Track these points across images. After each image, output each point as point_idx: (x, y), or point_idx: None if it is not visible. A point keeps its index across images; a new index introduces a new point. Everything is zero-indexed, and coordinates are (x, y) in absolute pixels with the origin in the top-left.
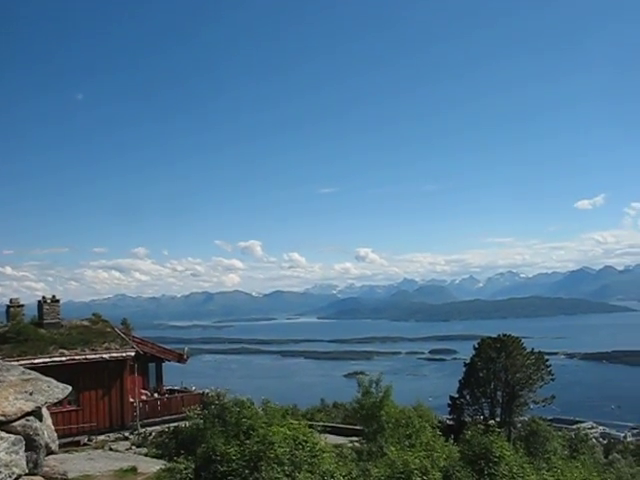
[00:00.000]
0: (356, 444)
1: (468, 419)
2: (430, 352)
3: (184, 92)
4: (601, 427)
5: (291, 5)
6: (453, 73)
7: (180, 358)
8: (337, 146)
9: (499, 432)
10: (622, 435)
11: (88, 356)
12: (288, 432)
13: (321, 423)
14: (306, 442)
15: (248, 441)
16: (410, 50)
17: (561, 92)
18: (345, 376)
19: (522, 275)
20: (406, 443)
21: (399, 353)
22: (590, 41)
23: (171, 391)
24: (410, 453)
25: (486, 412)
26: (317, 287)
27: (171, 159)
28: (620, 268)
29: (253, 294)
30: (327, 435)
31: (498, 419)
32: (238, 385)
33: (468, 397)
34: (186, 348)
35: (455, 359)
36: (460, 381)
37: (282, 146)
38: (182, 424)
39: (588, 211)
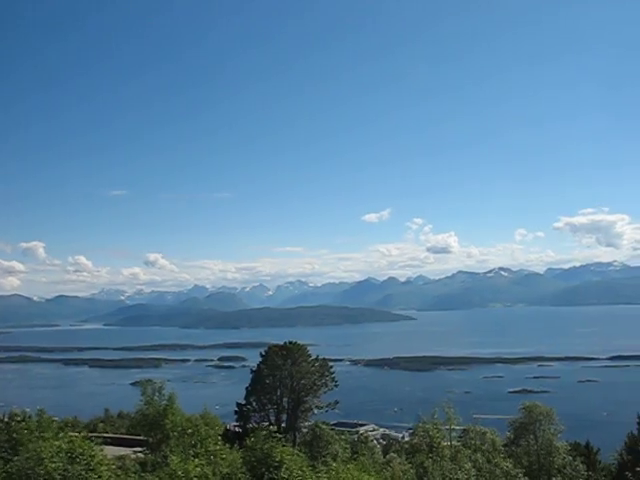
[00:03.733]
0: (140, 455)
1: (254, 425)
2: (219, 359)
3: None
4: (382, 429)
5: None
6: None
7: None
8: (128, 148)
9: (280, 437)
10: (400, 436)
11: None
12: (63, 446)
13: (103, 434)
14: (82, 455)
15: (16, 457)
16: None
17: (332, 115)
18: (132, 384)
19: (311, 284)
20: (191, 452)
21: (188, 360)
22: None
23: None
24: (192, 462)
25: (272, 418)
26: (104, 292)
27: None
28: (402, 279)
29: (34, 298)
30: (109, 447)
31: (284, 425)
32: (15, 396)
33: (255, 404)
34: None
35: (244, 366)
36: (247, 388)
37: (72, 146)
38: None
39: (374, 224)
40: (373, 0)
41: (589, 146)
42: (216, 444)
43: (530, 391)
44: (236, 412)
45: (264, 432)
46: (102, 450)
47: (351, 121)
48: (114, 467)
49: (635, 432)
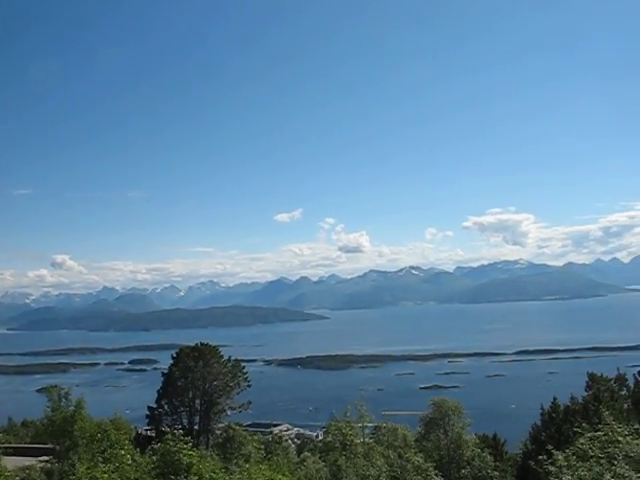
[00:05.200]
0: (47, 464)
1: (166, 429)
2: (130, 362)
3: None
4: (297, 428)
5: None
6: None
7: None
8: (33, 145)
9: (188, 441)
10: (315, 434)
11: None
12: None
13: (5, 445)
14: None
15: None
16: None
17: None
18: (37, 391)
19: (223, 284)
20: (100, 458)
21: (98, 364)
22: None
23: None
24: (100, 468)
25: (185, 421)
26: (7, 296)
27: None
28: (314, 279)
29: None
30: (11, 458)
31: (197, 427)
32: None
33: (166, 407)
34: None
35: (156, 369)
36: (158, 391)
37: None
38: None
39: (286, 224)
40: None
41: (496, 147)
42: (126, 449)
43: (441, 387)
44: (147, 416)
45: (173, 435)
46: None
47: (263, 123)
48: (18, 479)
49: (539, 423)
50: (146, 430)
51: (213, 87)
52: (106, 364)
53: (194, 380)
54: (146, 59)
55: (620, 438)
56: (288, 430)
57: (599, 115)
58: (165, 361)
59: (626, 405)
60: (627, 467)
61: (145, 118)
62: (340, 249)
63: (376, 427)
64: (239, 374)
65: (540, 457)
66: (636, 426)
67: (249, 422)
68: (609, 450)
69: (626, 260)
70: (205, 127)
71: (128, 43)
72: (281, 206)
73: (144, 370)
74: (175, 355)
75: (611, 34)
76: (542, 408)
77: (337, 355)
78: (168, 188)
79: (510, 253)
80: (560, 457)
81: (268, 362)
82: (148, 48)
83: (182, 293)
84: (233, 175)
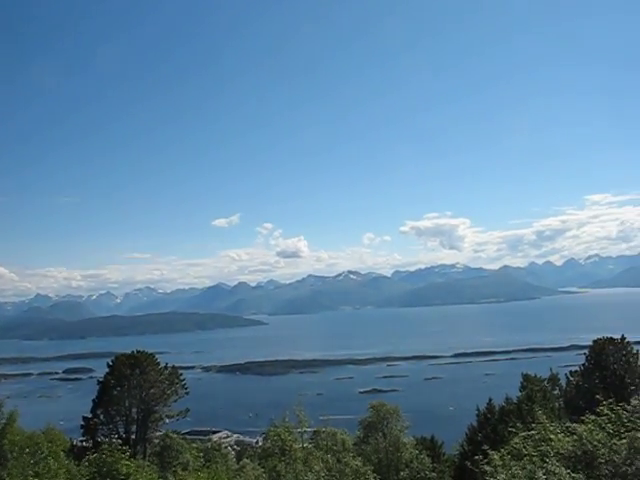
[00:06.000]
0: None
1: (102, 439)
2: (65, 372)
3: None
4: (236, 435)
5: None
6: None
7: None
8: None
9: (126, 450)
10: (255, 440)
11: None
12: None
13: None
14: None
15: None
16: None
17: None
18: None
19: (160, 291)
20: (31, 472)
21: (31, 374)
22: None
23: None
24: None
25: (121, 430)
26: None
27: None
28: (253, 284)
29: None
30: None
31: (134, 436)
32: None
33: (102, 416)
34: None
35: (92, 377)
36: (94, 400)
37: None
38: None
39: (224, 229)
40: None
41: (433, 153)
42: (60, 461)
43: (380, 390)
44: (82, 426)
45: (110, 445)
46: None
47: (196, 126)
48: None
49: (475, 424)
50: (81, 441)
51: (134, 91)
52: (39, 374)
53: (130, 388)
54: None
55: (552, 436)
56: (227, 437)
57: (531, 123)
58: (101, 369)
59: (558, 404)
60: (558, 464)
61: (73, 122)
62: (278, 254)
63: (315, 432)
64: (177, 381)
65: (476, 457)
66: (567, 424)
67: (187, 430)
68: (542, 448)
69: (559, 263)
70: (137, 131)
71: None
72: (219, 211)
73: (79, 379)
74: (111, 363)
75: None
76: (478, 409)
77: (276, 360)
78: (101, 193)
79: (447, 257)
80: (495, 457)
81: (207, 369)
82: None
83: (118, 300)
84: (170, 180)
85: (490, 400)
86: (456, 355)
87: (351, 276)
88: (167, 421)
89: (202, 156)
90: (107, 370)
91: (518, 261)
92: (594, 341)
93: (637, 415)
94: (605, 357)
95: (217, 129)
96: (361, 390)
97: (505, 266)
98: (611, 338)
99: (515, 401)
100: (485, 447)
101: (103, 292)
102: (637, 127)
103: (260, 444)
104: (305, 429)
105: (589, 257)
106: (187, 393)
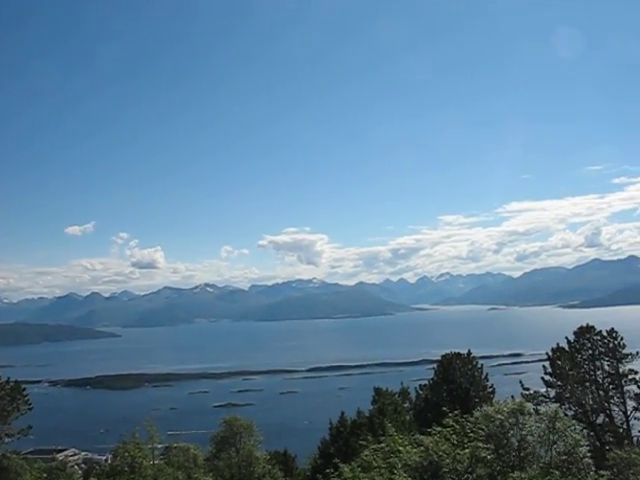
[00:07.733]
0: None
1: None
2: None
3: None
4: (84, 452)
5: None
6: None
7: None
8: None
9: None
10: (104, 458)
11: None
12: None
13: None
14: None
15: None
16: None
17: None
18: None
19: (6, 300)
20: None
21: None
22: None
23: None
24: None
25: None
26: None
27: None
28: (106, 295)
29: None
30: None
31: None
32: None
33: None
34: None
35: None
36: None
37: None
38: None
39: (78, 237)
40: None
41: (292, 165)
42: None
43: (235, 404)
44: None
45: None
46: None
47: (39, 126)
48: None
49: (327, 437)
50: None
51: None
52: None
53: None
54: None
55: (401, 448)
56: (75, 455)
57: (387, 143)
58: None
59: (408, 417)
60: (405, 475)
61: None
62: (134, 265)
63: (167, 448)
64: (19, 397)
65: (327, 470)
66: (416, 436)
67: (30, 449)
68: (390, 460)
69: (412, 280)
70: None
71: None
72: (72, 219)
73: None
74: None
75: None
76: (331, 423)
77: (129, 374)
78: None
79: (304, 272)
80: (346, 469)
81: (54, 383)
82: None
83: None
84: (18, 183)
85: (342, 414)
86: (311, 369)
87: (208, 289)
88: (7, 440)
89: (54, 159)
90: None
91: (374, 277)
92: (442, 356)
93: (479, 426)
94: (452, 371)
95: (74, 133)
96: (216, 404)
97: (361, 282)
98: (458, 353)
99: (367, 414)
100: (336, 460)
101: None
102: (488, 151)
103: (109, 462)
104: (156, 445)
105: (441, 275)
106: (30, 409)
